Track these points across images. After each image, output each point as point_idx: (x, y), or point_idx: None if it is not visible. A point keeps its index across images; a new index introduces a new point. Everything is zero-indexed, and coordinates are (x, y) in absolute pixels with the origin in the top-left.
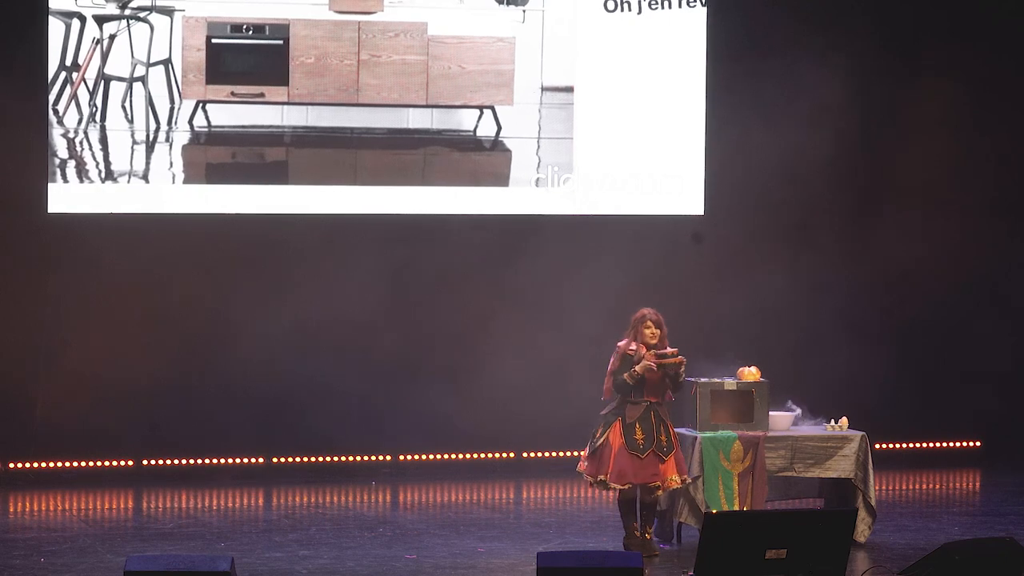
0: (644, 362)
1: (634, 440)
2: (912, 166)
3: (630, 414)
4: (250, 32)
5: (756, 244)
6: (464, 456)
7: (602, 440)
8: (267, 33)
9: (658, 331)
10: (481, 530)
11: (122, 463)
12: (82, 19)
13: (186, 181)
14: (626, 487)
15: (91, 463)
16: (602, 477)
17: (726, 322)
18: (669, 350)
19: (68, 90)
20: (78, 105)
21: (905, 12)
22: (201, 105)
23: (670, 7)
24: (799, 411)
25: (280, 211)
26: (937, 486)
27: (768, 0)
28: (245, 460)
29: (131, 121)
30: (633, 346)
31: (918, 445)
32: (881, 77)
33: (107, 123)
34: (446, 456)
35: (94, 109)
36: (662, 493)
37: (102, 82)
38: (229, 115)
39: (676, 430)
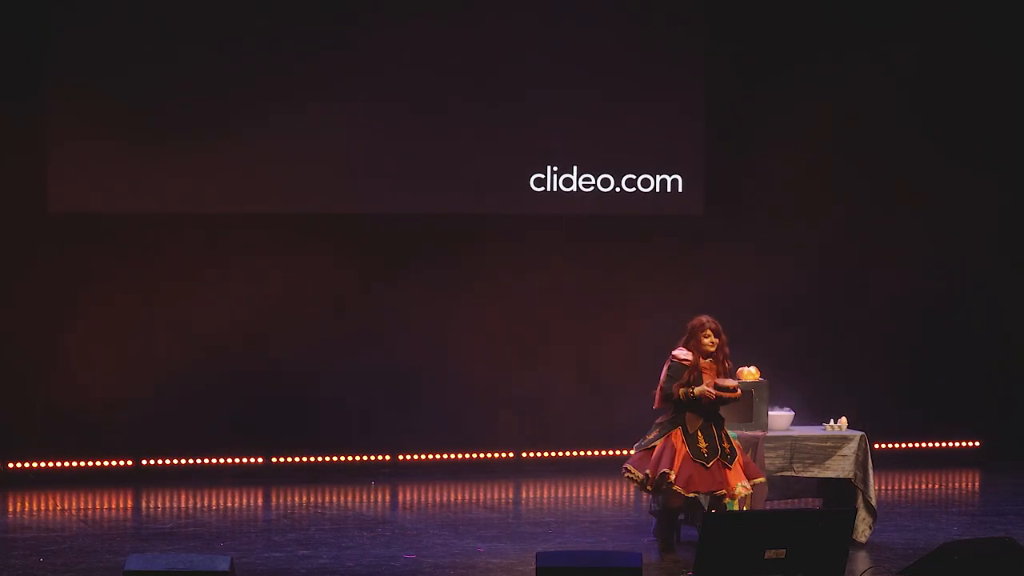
0: (704, 388)
1: (698, 449)
2: (915, 166)
3: (691, 424)
4: None
5: (755, 244)
6: (464, 456)
7: (661, 441)
8: None
9: (717, 339)
10: (480, 530)
11: (121, 463)
12: None
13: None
14: (692, 495)
15: (90, 463)
16: (666, 470)
17: (725, 322)
18: (730, 382)
19: None
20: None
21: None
22: None
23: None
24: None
25: (279, 209)
26: (936, 486)
27: (767, 1)
28: (245, 460)
29: None
30: (686, 354)
31: (918, 445)
32: (880, 77)
33: None
34: (445, 456)
35: None
36: (729, 501)
37: None
38: None
39: None
